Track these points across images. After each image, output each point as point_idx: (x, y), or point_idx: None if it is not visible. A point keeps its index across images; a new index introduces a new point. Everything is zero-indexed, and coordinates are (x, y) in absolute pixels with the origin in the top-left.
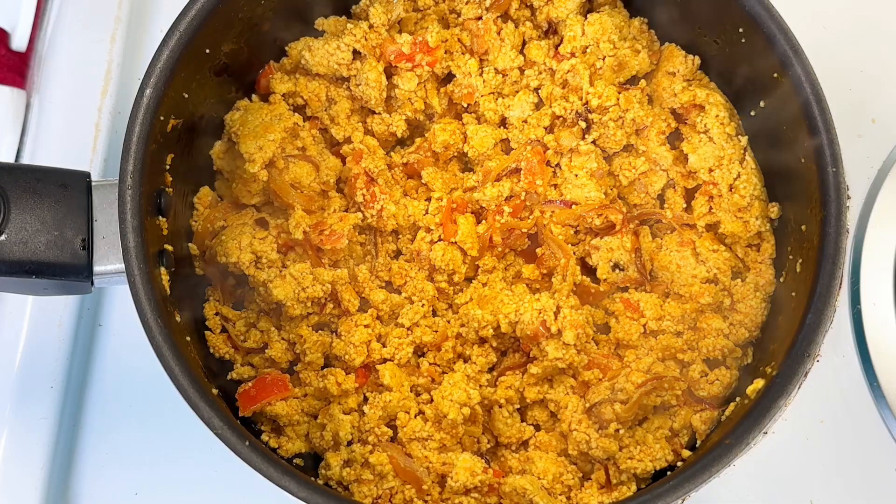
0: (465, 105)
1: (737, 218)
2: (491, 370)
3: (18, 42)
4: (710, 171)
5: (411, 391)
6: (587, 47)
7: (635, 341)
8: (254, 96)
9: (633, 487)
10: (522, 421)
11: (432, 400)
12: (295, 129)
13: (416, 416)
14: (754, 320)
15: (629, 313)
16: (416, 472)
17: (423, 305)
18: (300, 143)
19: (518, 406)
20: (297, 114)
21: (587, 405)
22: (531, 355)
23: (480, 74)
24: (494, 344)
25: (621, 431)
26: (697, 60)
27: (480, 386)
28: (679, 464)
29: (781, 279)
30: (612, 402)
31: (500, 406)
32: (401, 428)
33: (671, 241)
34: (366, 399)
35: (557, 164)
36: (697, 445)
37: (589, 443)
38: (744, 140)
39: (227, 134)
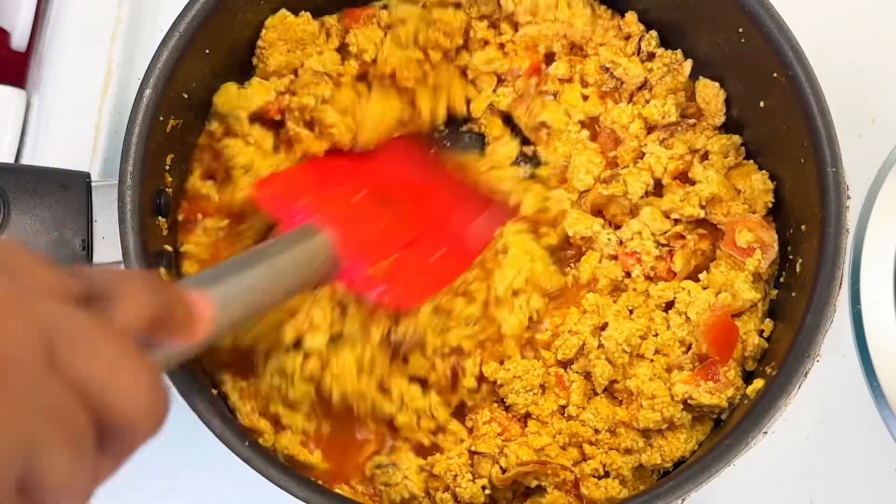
0: None
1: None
2: None
3: (18, 42)
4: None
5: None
6: None
7: (545, 417)
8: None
9: None
10: None
11: None
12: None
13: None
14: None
15: (556, 389)
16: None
17: None
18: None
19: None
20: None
21: (472, 448)
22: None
23: None
24: None
25: (487, 491)
26: (654, 34)
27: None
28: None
29: (781, 279)
30: (495, 461)
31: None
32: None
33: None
34: None
35: None
36: None
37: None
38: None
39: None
